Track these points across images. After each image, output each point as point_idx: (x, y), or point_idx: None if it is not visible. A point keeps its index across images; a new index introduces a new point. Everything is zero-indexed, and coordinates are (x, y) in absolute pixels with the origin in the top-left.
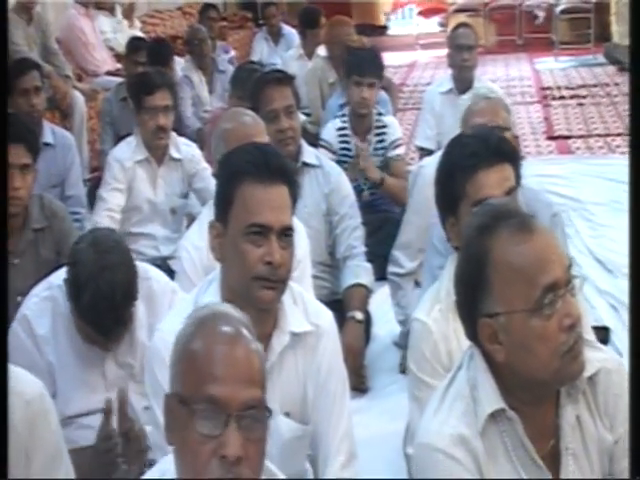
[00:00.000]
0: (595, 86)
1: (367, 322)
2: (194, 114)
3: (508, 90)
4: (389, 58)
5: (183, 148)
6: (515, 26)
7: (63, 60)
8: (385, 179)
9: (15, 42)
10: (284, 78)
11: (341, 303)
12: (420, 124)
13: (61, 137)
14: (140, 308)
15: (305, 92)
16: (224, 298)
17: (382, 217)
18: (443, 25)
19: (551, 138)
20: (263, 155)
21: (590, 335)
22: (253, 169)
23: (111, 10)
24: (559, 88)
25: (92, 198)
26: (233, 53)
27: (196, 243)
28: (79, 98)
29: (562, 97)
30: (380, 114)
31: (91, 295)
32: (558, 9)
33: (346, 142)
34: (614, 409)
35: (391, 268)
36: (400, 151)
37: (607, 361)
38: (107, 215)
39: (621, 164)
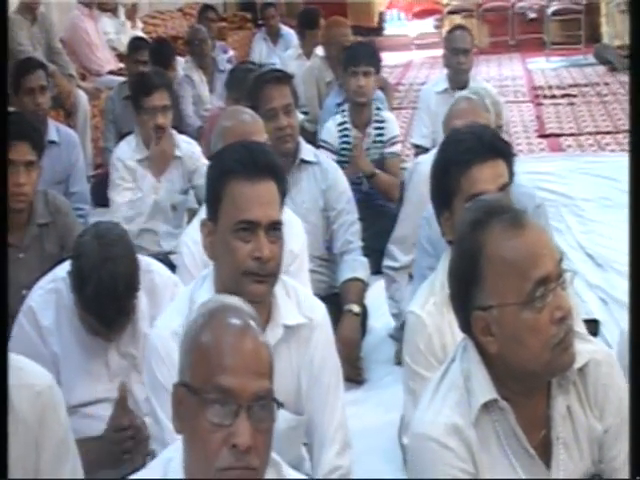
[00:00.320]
0: (585, 85)
1: (363, 315)
2: (195, 112)
3: (501, 89)
4: (385, 58)
5: (184, 146)
6: (508, 27)
7: (67, 60)
8: (377, 173)
9: (20, 42)
10: (283, 77)
11: (338, 296)
12: (416, 122)
13: (65, 135)
14: (142, 300)
15: (303, 91)
16: (217, 294)
17: (378, 212)
18: (438, 27)
19: (543, 136)
20: (249, 153)
21: (581, 328)
22: (240, 167)
23: (114, 11)
24: (550, 87)
25: (95, 194)
26: (232, 53)
27: (196, 238)
28: (83, 97)
29: (553, 96)
30: (379, 109)
31: (94, 286)
32: (549, 10)
33: (347, 136)
34: (603, 399)
35: (386, 262)
36: (396, 149)
37: (596, 353)
38: (123, 216)
39: (611, 161)
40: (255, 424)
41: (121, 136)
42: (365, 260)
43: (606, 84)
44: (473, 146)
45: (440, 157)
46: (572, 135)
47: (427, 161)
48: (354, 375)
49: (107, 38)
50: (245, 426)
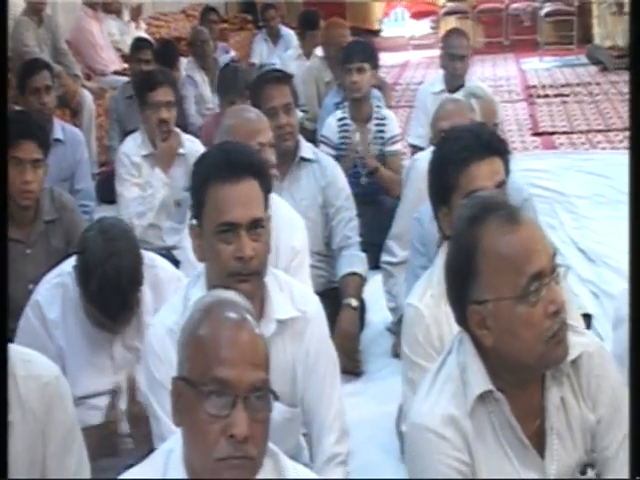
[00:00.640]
0: (578, 85)
1: (362, 309)
2: (197, 112)
3: (496, 89)
4: (383, 58)
5: (187, 144)
6: (502, 28)
7: (72, 60)
8: (380, 168)
9: (26, 43)
10: (283, 77)
11: (337, 291)
12: (412, 122)
13: (71, 133)
14: (147, 294)
15: (303, 90)
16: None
17: (376, 207)
18: (434, 28)
19: (536, 134)
20: (226, 155)
21: (575, 321)
22: (218, 170)
23: (118, 13)
24: (544, 87)
25: (100, 191)
26: (233, 53)
27: None
28: (88, 96)
29: (546, 95)
30: (378, 107)
31: (98, 280)
32: (543, 12)
33: (346, 131)
34: (596, 390)
35: (384, 257)
36: (397, 147)
37: (589, 345)
38: (134, 211)
39: (602, 159)
40: (252, 414)
41: (125, 134)
42: (363, 255)
43: (597, 84)
44: (471, 144)
45: (438, 155)
46: (565, 133)
47: (424, 158)
48: (352, 367)
49: (111, 39)
50: (242, 416)
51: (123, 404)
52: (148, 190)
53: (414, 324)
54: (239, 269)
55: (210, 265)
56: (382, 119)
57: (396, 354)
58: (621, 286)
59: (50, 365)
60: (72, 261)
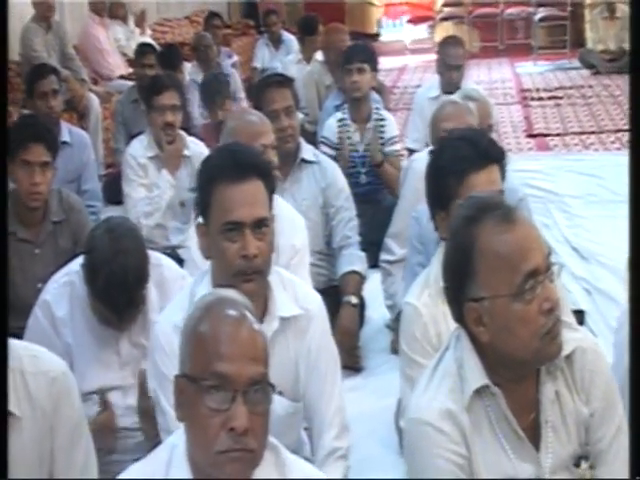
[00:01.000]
0: (571, 88)
1: (361, 306)
2: (201, 115)
3: (491, 92)
4: (381, 62)
5: (192, 146)
6: (497, 33)
7: (80, 65)
8: (385, 163)
9: (35, 49)
10: (284, 81)
11: (337, 289)
12: (409, 127)
13: (78, 136)
14: (152, 292)
15: (303, 94)
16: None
17: (375, 206)
18: (431, 33)
19: (531, 136)
20: (232, 155)
21: (569, 317)
22: (223, 171)
23: (124, 19)
24: (538, 90)
25: (107, 192)
26: (236, 58)
27: None
28: (94, 100)
29: (540, 98)
30: (377, 108)
31: (105, 278)
32: (536, 17)
33: (346, 131)
34: (589, 384)
35: (383, 255)
36: (397, 147)
37: (582, 341)
38: (142, 211)
39: (595, 160)
40: (251, 408)
41: (130, 137)
42: (363, 254)
43: (590, 87)
44: (469, 154)
45: (436, 163)
46: (558, 135)
47: (422, 158)
48: (352, 363)
49: (117, 44)
50: (242, 410)
51: (130, 399)
52: (155, 191)
53: (412, 322)
54: (244, 267)
55: (215, 263)
56: (381, 120)
57: (395, 350)
58: (613, 283)
59: (57, 360)
60: (80, 260)
